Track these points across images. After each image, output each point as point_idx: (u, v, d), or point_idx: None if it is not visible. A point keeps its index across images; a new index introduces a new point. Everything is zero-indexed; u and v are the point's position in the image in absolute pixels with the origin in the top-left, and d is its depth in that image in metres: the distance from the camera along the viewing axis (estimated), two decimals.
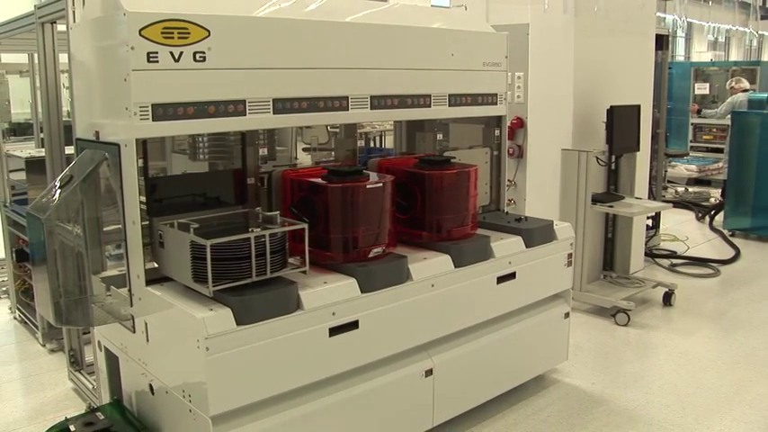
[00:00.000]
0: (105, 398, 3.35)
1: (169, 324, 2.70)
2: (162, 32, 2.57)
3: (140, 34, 2.53)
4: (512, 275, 3.62)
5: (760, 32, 26.43)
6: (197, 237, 2.60)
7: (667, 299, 5.47)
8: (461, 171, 3.58)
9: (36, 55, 4.05)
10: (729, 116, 8.48)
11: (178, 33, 2.61)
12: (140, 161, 2.73)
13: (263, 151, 3.35)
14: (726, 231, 7.76)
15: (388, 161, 3.76)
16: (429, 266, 3.25)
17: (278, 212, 2.96)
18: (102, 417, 2.98)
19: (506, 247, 3.62)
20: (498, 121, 4.13)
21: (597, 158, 5.31)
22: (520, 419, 3.66)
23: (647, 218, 6.79)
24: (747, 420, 3.66)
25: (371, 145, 9.42)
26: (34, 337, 4.76)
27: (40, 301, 2.97)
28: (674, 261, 6.62)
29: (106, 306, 2.97)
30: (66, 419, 2.95)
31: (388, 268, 3.09)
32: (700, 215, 8.66)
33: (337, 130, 3.88)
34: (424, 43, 3.51)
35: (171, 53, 2.60)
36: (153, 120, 2.61)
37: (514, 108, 5.47)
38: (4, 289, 5.63)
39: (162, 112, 2.62)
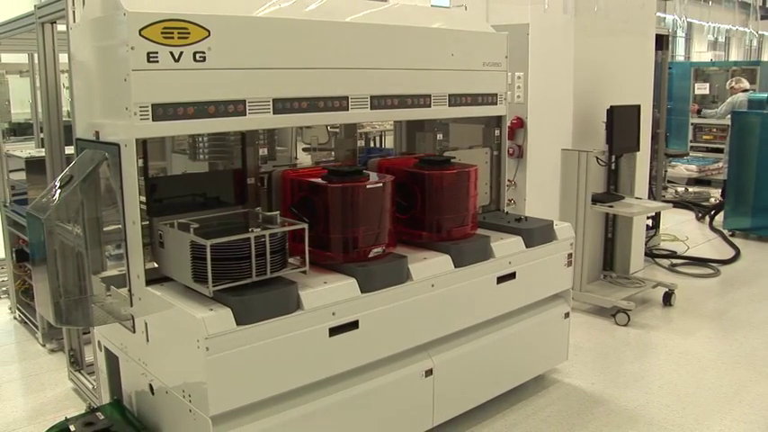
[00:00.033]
0: (105, 398, 3.35)
1: (169, 324, 2.70)
2: (162, 32, 2.57)
3: (140, 34, 2.53)
4: (512, 275, 3.62)
5: (760, 32, 26.43)
6: (197, 237, 2.60)
7: (667, 299, 5.47)
8: (461, 171, 3.58)
9: (36, 55, 4.05)
10: (729, 116, 8.48)
11: (178, 33, 2.61)
12: (140, 161, 2.73)
13: (263, 151, 3.35)
14: (726, 231, 7.76)
15: (388, 161, 3.76)
16: (429, 266, 3.25)
17: (278, 212, 2.96)
18: (102, 417, 2.98)
19: (506, 247, 3.62)
20: (498, 121, 4.13)
21: (597, 158, 5.31)
22: (520, 419, 3.66)
23: (647, 218, 6.79)
24: (747, 420, 3.66)
25: (371, 145, 9.41)
26: (34, 337, 4.76)
27: (40, 301, 2.97)
28: (674, 261, 6.62)
29: (106, 306, 2.97)
30: (66, 419, 2.95)
31: (388, 268, 3.10)
32: (700, 215, 8.66)
33: (337, 130, 3.88)
34: (424, 43, 3.51)
35: (171, 53, 2.60)
36: (153, 120, 2.61)
37: (514, 108, 5.47)
38: (4, 289, 5.63)
39: (162, 112, 2.62)
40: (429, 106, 3.57)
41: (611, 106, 5.25)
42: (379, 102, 3.33)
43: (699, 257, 6.70)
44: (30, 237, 2.99)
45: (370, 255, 3.11)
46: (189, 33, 2.64)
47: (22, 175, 4.98)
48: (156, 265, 2.87)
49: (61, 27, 3.75)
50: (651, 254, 6.73)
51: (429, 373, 3.27)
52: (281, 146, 3.69)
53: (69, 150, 3.57)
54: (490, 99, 3.91)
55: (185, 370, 2.63)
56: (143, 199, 2.83)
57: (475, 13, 5.26)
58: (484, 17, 5.42)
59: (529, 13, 5.42)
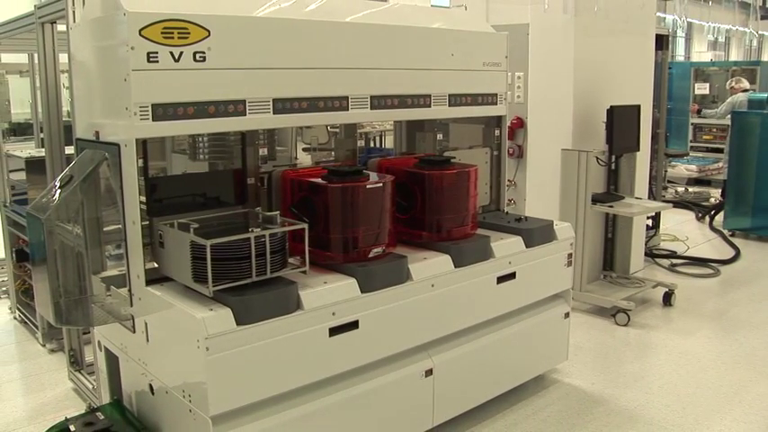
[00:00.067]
0: (105, 398, 3.35)
1: (169, 324, 2.70)
2: (162, 32, 2.57)
3: (140, 34, 2.53)
4: (512, 275, 3.62)
5: (760, 32, 26.43)
6: (197, 237, 2.60)
7: (667, 299, 5.47)
8: (461, 171, 3.58)
9: (36, 55, 4.05)
10: (729, 116, 8.48)
11: (178, 33, 2.61)
12: (140, 161, 2.73)
13: (263, 151, 3.35)
14: (726, 231, 7.76)
15: (388, 161, 3.76)
16: (429, 266, 3.25)
17: (278, 212, 2.96)
18: (102, 417, 2.98)
19: (506, 247, 3.62)
20: (498, 121, 4.13)
21: (597, 158, 5.31)
22: (520, 419, 3.66)
23: (647, 218, 6.79)
24: (747, 420, 3.66)
25: (371, 145, 9.41)
26: (34, 337, 4.76)
27: (40, 301, 2.97)
28: (674, 261, 6.62)
29: (106, 306, 2.97)
30: (66, 419, 2.95)
31: (388, 268, 3.09)
32: (700, 215, 8.66)
33: (337, 130, 3.88)
34: (424, 43, 3.51)
35: (171, 53, 2.60)
36: (153, 120, 2.61)
37: (514, 108, 5.47)
38: (4, 289, 5.63)
39: (162, 112, 2.62)
40: (429, 106, 3.57)
41: (611, 106, 5.25)
42: (379, 102, 3.33)
43: (699, 257, 6.70)
44: (30, 237, 2.99)
45: (370, 255, 3.11)
46: (189, 33, 2.64)
47: (22, 175, 4.98)
48: (156, 265, 2.87)
49: (61, 27, 3.75)
50: (651, 254, 6.73)
51: (429, 373, 3.27)
52: (281, 146, 3.69)
53: (69, 150, 3.57)
54: (490, 99, 3.91)
55: (185, 370, 2.63)
56: (143, 199, 2.83)
57: (475, 13, 5.26)
58: (484, 17, 5.42)
59: (529, 13, 5.41)
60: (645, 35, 6.12)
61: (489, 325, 3.61)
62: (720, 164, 9.97)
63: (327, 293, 2.84)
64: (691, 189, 10.12)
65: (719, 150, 10.47)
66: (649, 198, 6.59)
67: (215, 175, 3.24)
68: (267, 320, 2.62)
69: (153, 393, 2.87)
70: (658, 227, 7.17)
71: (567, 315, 4.06)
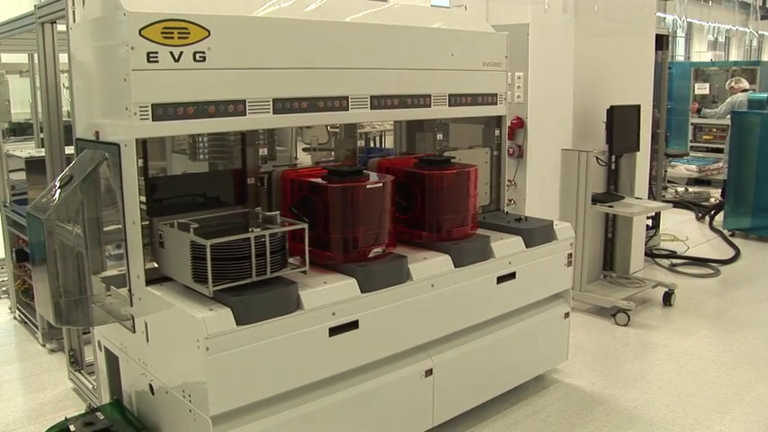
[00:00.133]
0: (105, 398, 3.35)
1: (169, 324, 2.70)
2: (162, 32, 2.57)
3: (140, 34, 2.53)
4: (512, 275, 3.62)
5: (760, 32, 26.44)
6: (197, 237, 2.60)
7: (667, 299, 5.47)
8: (461, 171, 3.58)
9: (36, 55, 4.05)
10: (729, 116, 8.48)
11: (178, 33, 2.61)
12: (140, 161, 2.73)
13: (263, 151, 3.35)
14: (726, 231, 7.76)
15: (388, 161, 3.76)
16: (429, 266, 3.25)
17: (278, 212, 2.96)
18: (102, 417, 2.98)
19: (506, 247, 3.62)
20: (498, 121, 4.13)
21: (597, 158, 5.31)
22: (520, 419, 3.66)
23: (647, 218, 6.80)
24: (747, 420, 3.66)
25: (371, 145, 9.41)
26: (34, 337, 4.76)
27: (40, 301, 2.97)
28: (674, 261, 6.62)
29: (106, 306, 2.97)
30: (66, 419, 2.95)
31: (388, 268, 3.09)
32: (700, 215, 8.66)
33: (337, 130, 3.88)
34: (424, 43, 3.51)
35: (171, 53, 2.60)
36: (153, 120, 2.61)
37: (514, 108, 5.47)
38: (4, 289, 5.63)
39: (162, 112, 2.62)
40: (429, 106, 3.57)
41: (611, 106, 5.25)
42: (379, 102, 3.33)
43: (699, 257, 6.70)
44: (30, 237, 3.00)
45: (370, 255, 3.11)
46: (189, 33, 2.64)
47: (22, 175, 4.98)
48: (156, 265, 2.87)
49: (61, 27, 3.75)
50: (651, 254, 6.73)
51: (429, 372, 3.27)
52: (281, 146, 3.69)
53: (69, 150, 3.57)
54: (490, 99, 3.91)
55: (185, 370, 2.63)
56: (143, 199, 2.83)
57: (475, 13, 5.27)
58: (484, 17, 5.42)
59: (529, 13, 5.42)
60: (645, 35, 6.12)
61: (489, 325, 3.61)
62: (720, 164, 9.97)
63: (327, 293, 2.84)
64: (691, 189, 10.12)
65: (719, 150, 10.47)
66: (649, 198, 6.59)
67: (215, 175, 3.24)
68: (267, 320, 2.62)
69: (153, 393, 2.87)
70: (658, 227, 7.17)
71: (566, 315, 4.06)
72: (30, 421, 3.68)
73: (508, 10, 5.51)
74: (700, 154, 11.36)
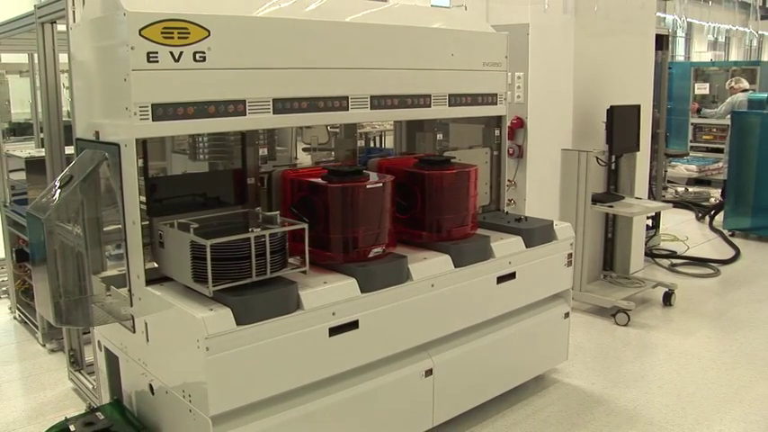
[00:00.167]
0: (105, 398, 3.35)
1: (169, 324, 2.70)
2: (162, 32, 2.57)
3: (140, 34, 2.53)
4: (512, 275, 3.62)
5: (760, 32, 26.45)
6: (197, 237, 2.60)
7: (667, 299, 5.47)
8: (461, 171, 3.58)
9: (36, 55, 4.05)
10: (729, 116, 8.48)
11: (178, 33, 2.61)
12: (140, 161, 2.73)
13: (263, 151, 3.35)
14: (726, 231, 7.76)
15: (388, 161, 3.76)
16: (429, 266, 3.25)
17: (278, 212, 2.96)
18: (102, 417, 2.98)
19: (506, 247, 3.62)
20: (498, 121, 4.13)
21: (597, 158, 5.31)
22: (520, 419, 3.66)
23: (647, 218, 6.80)
24: (747, 420, 3.66)
25: (371, 145, 9.41)
26: (34, 337, 4.76)
27: (40, 301, 2.97)
28: (674, 261, 6.62)
29: (106, 306, 2.97)
30: (66, 419, 2.95)
31: (388, 268, 3.09)
32: (700, 215, 8.66)
33: (337, 130, 3.88)
34: (424, 43, 3.51)
35: (171, 53, 2.60)
36: (153, 120, 2.61)
37: (514, 108, 5.47)
38: (4, 289, 5.63)
39: (162, 112, 2.62)
40: (429, 106, 3.57)
41: (611, 106, 5.25)
42: (379, 102, 3.33)
43: (699, 257, 6.70)
44: (30, 237, 2.99)
45: (370, 255, 3.11)
46: (189, 33, 2.64)
47: (22, 175, 4.98)
48: (156, 265, 2.87)
49: (61, 27, 3.75)
50: (651, 254, 6.73)
51: (429, 373, 3.27)
52: (281, 146, 3.69)
53: (69, 150, 3.57)
54: (490, 99, 3.91)
55: (185, 370, 2.63)
56: (143, 199, 2.83)
57: (475, 13, 5.27)
58: (484, 17, 5.42)
59: (529, 13, 5.42)
60: (645, 35, 6.12)
61: (489, 325, 3.61)
62: (720, 164, 9.97)
63: (327, 293, 2.84)
64: (691, 189, 10.12)
65: (719, 150, 10.47)
66: (649, 198, 6.59)
67: (215, 175, 3.24)
68: (267, 320, 2.62)
69: (153, 393, 2.87)
70: (658, 227, 7.17)
71: (566, 315, 4.06)
72: (30, 421, 3.68)
73: (508, 10, 5.51)
74: (700, 154, 11.36)
